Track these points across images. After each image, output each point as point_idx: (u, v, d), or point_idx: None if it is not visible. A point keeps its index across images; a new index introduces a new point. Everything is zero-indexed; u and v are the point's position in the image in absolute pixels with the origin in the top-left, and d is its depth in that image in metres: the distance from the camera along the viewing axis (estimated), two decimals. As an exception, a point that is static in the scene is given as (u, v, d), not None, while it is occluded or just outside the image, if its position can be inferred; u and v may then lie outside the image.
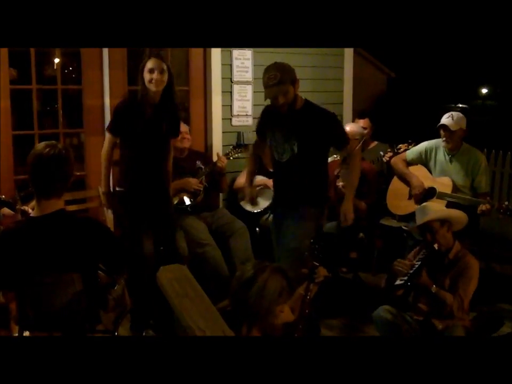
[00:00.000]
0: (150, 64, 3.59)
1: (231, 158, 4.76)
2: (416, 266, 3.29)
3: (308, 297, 2.64)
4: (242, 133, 5.30)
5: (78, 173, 4.56)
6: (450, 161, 4.35)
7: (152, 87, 3.60)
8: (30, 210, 2.96)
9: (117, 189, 3.88)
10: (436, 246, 3.35)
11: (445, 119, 4.30)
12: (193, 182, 4.52)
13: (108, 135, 3.80)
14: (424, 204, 3.79)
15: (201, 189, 4.57)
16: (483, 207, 4.00)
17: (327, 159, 3.76)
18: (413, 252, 3.58)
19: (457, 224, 3.45)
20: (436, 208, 3.57)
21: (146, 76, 3.59)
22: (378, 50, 9.44)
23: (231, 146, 4.86)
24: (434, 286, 3.25)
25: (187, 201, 4.51)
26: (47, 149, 2.41)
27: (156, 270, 2.48)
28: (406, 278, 3.26)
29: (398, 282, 3.30)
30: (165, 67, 3.60)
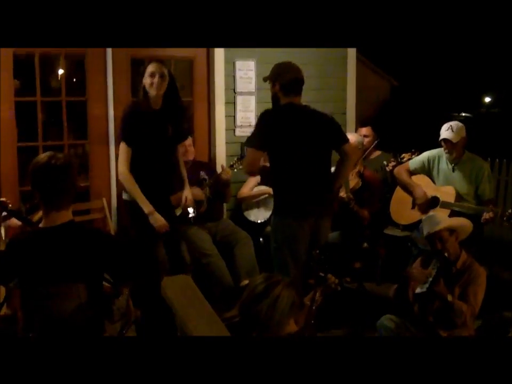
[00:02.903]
0: (151, 68, 3.57)
1: (235, 169, 4.76)
2: (434, 274, 3.28)
3: (314, 307, 2.64)
4: (246, 143, 5.31)
5: (83, 184, 4.57)
6: (453, 170, 4.35)
7: (152, 91, 3.57)
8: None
9: (124, 197, 3.73)
10: (446, 254, 3.34)
11: (446, 132, 4.29)
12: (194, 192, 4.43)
13: (123, 147, 3.58)
14: (431, 213, 3.78)
15: (204, 199, 4.56)
16: (487, 215, 3.99)
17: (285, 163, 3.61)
18: (418, 261, 3.57)
19: (463, 232, 3.45)
20: (444, 217, 3.56)
21: (147, 80, 3.58)
22: (381, 58, 9.45)
23: (235, 158, 4.86)
24: (449, 295, 3.24)
25: (190, 211, 4.49)
26: (50, 159, 2.39)
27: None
28: (427, 285, 3.25)
29: (418, 290, 3.29)
30: (165, 71, 3.59)
